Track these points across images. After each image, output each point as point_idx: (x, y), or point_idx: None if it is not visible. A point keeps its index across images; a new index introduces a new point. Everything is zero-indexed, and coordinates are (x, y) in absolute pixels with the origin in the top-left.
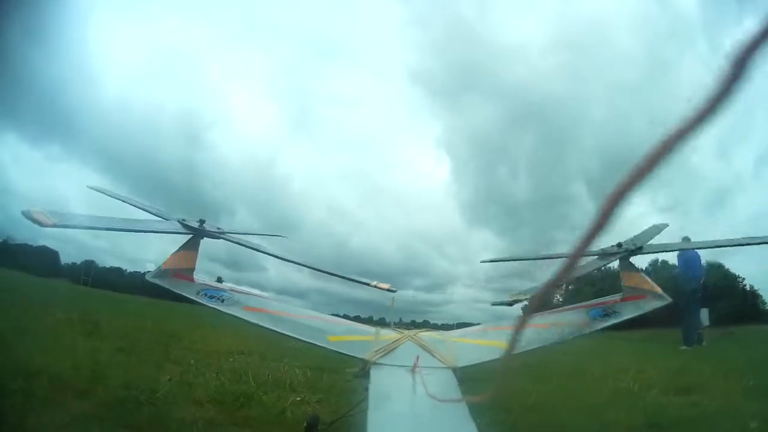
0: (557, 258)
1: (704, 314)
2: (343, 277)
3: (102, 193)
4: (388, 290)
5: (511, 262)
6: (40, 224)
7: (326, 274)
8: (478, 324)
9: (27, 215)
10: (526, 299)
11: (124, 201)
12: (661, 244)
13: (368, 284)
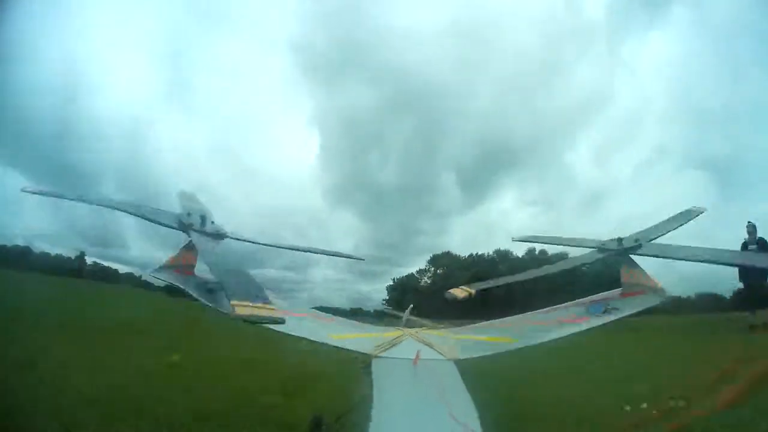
0: (585, 248)
1: None
2: (324, 252)
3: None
4: (358, 259)
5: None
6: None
7: (310, 253)
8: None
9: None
10: (470, 294)
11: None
12: (664, 245)
13: (340, 255)
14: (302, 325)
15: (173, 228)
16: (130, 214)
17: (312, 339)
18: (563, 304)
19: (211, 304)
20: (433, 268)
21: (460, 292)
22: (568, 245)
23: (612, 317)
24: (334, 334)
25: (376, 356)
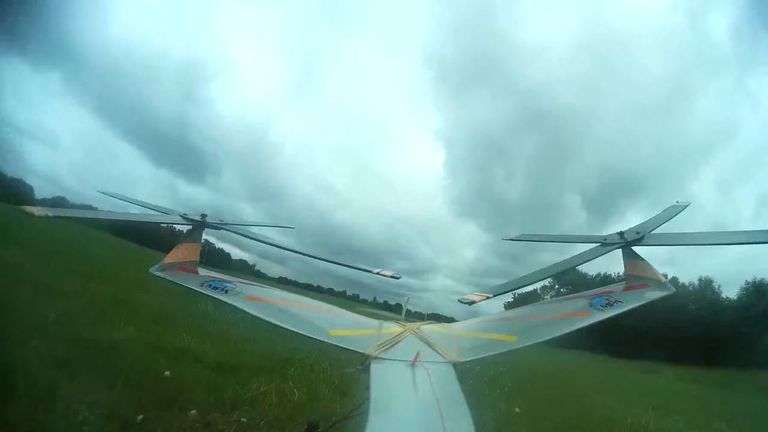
0: (579, 242)
1: None
2: (348, 266)
3: (110, 196)
4: (392, 277)
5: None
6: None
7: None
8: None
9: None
10: (487, 298)
11: (130, 202)
12: (665, 234)
13: (371, 272)
14: (302, 320)
15: (178, 223)
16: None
17: (311, 336)
18: (565, 297)
19: (221, 299)
20: (557, 286)
21: (477, 297)
22: (562, 242)
23: (615, 311)
24: (334, 330)
25: (375, 357)
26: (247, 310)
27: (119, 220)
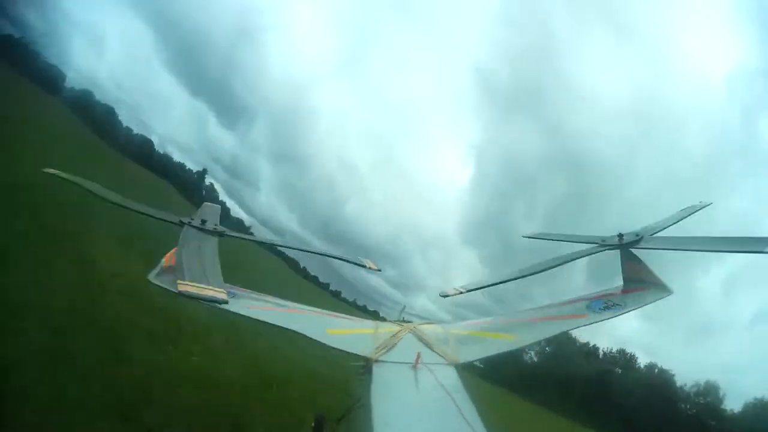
0: (578, 242)
1: None
2: (337, 257)
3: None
4: (371, 268)
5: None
6: None
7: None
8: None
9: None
10: (467, 291)
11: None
12: (663, 238)
13: (356, 263)
14: (299, 319)
15: (174, 224)
16: (135, 211)
17: (310, 336)
18: (563, 300)
19: (212, 305)
20: None
21: (452, 291)
22: (576, 242)
23: (613, 314)
24: (332, 329)
25: (376, 360)
26: (250, 316)
27: (133, 209)
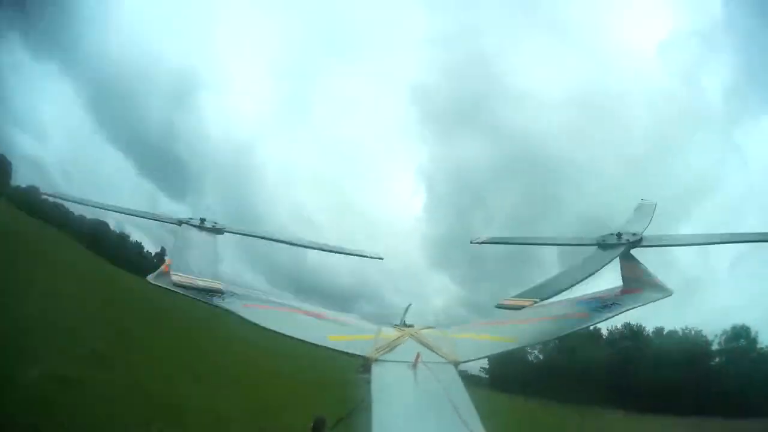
0: (556, 245)
1: None
2: (337, 251)
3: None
4: (374, 257)
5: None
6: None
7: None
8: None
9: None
10: (533, 303)
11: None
12: (663, 235)
13: (357, 255)
14: (300, 325)
15: (172, 223)
16: (132, 215)
17: (310, 341)
18: (562, 300)
19: (216, 305)
20: None
21: (483, 238)
22: (536, 244)
23: (612, 314)
24: (333, 335)
25: (375, 359)
26: (244, 317)
27: (123, 212)
